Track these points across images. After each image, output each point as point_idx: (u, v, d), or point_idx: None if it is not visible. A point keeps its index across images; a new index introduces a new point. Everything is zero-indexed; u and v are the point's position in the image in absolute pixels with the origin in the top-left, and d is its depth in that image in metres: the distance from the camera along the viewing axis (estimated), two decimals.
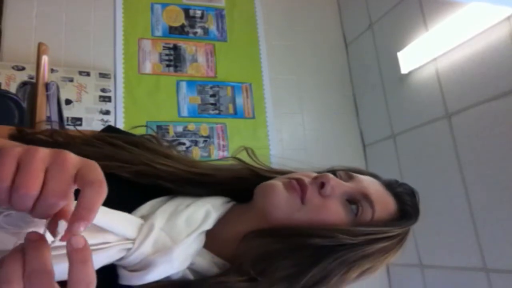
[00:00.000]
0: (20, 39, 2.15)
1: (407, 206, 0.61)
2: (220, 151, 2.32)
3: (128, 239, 0.45)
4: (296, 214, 0.53)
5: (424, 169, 2.08)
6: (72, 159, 0.34)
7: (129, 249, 0.45)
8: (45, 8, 2.24)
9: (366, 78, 2.56)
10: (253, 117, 2.44)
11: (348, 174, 0.61)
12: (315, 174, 0.58)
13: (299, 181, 0.55)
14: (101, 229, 0.43)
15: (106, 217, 0.43)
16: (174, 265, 0.47)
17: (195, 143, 2.29)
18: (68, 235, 0.31)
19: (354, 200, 0.57)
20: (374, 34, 2.50)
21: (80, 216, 0.31)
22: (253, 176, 0.61)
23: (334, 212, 0.55)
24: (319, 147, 2.49)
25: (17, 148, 0.33)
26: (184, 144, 2.26)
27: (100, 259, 0.42)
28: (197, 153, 2.27)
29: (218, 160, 0.69)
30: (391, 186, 0.63)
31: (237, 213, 0.57)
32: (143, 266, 0.46)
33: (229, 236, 0.55)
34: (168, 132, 2.26)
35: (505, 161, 1.66)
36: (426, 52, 2.06)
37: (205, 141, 2.31)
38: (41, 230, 0.33)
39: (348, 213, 0.56)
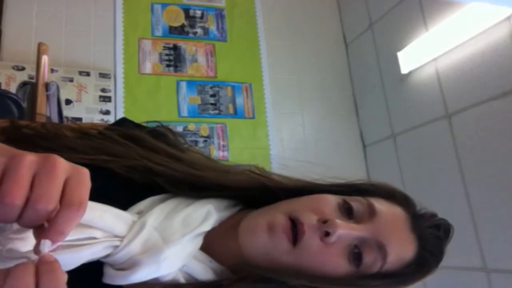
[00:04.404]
0: (20, 39, 2.15)
1: (427, 254, 0.52)
2: (220, 151, 2.32)
3: (116, 236, 0.43)
4: (284, 257, 0.48)
5: (424, 169, 2.08)
6: (62, 164, 0.33)
7: (116, 247, 0.43)
8: (45, 8, 2.24)
9: (366, 78, 2.56)
10: (253, 117, 2.44)
11: (371, 209, 0.51)
12: (326, 215, 0.49)
13: (298, 223, 0.48)
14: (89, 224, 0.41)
15: (95, 212, 0.41)
16: (161, 266, 0.44)
17: (195, 143, 2.28)
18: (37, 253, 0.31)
19: (365, 248, 0.49)
20: (374, 34, 2.50)
21: (49, 237, 0.31)
22: (262, 191, 0.55)
23: (331, 260, 0.48)
24: (319, 147, 2.49)
25: (1, 158, 0.31)
26: None
27: (83, 255, 0.41)
28: None
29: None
30: (421, 221, 0.54)
31: (236, 222, 0.53)
32: (130, 265, 0.43)
33: (228, 243, 0.52)
34: None
35: (505, 161, 1.66)
36: (426, 52, 2.06)
37: (205, 141, 2.31)
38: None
39: (350, 263, 0.48)
